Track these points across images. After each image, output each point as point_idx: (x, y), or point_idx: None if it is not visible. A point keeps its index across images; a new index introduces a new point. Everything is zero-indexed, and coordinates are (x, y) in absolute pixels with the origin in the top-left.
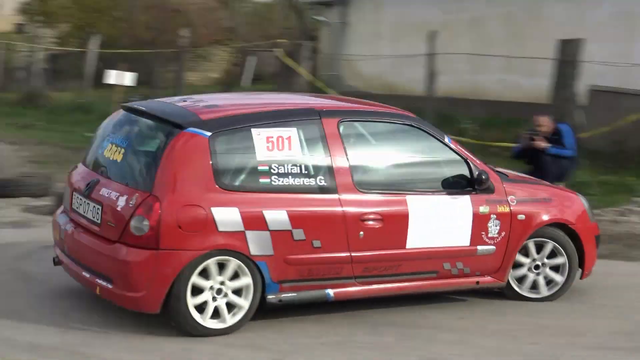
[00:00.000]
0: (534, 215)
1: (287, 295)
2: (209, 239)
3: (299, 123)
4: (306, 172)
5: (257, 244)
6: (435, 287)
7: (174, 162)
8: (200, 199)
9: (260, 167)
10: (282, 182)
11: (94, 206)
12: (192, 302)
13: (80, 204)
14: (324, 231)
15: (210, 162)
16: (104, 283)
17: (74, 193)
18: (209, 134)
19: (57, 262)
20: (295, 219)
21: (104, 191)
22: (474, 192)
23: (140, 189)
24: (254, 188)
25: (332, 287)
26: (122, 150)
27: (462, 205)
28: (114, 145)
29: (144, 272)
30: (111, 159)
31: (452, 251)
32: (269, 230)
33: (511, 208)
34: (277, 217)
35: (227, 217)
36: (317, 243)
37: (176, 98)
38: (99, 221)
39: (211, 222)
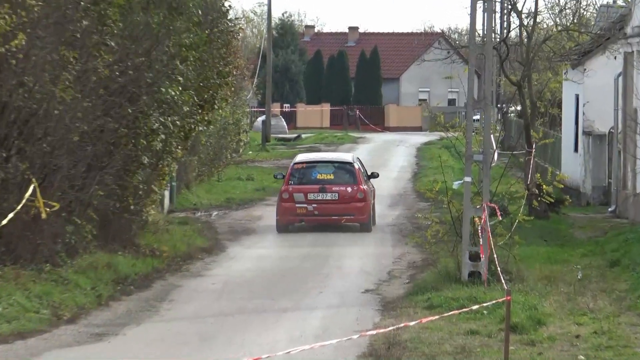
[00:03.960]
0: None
1: None
2: (372, 196)
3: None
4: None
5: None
6: None
7: (357, 173)
8: (365, 184)
9: (369, 172)
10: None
11: (332, 194)
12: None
13: (318, 196)
14: None
15: (363, 170)
16: (348, 217)
17: (308, 193)
18: (358, 164)
19: (302, 221)
20: None
21: (335, 188)
22: (372, 178)
23: (352, 184)
24: (368, 180)
25: None
26: (332, 175)
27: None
28: (322, 174)
29: (366, 209)
30: (326, 178)
31: None
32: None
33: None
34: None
35: (372, 189)
36: None
37: (321, 153)
38: (337, 198)
39: (371, 192)
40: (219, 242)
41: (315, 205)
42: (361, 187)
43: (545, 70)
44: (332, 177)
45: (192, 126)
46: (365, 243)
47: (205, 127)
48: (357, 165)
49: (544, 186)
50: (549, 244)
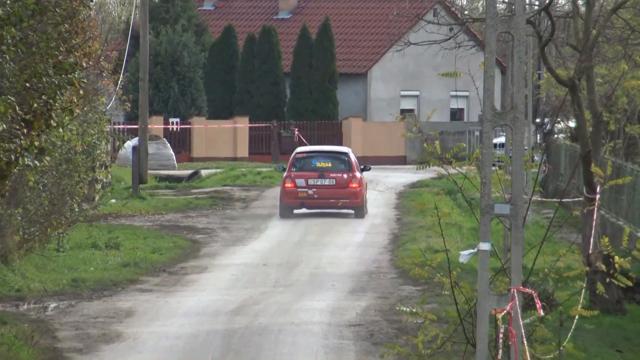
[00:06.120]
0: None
1: None
2: (364, 185)
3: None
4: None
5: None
6: None
7: (352, 162)
8: (359, 172)
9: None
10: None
11: (329, 180)
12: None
13: (317, 181)
14: None
15: (357, 162)
16: (344, 201)
17: (308, 179)
18: (352, 155)
19: (303, 204)
20: None
21: (332, 175)
22: (365, 171)
23: (347, 172)
24: (361, 172)
25: None
26: (329, 163)
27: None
28: (321, 162)
29: (360, 194)
30: (324, 166)
31: None
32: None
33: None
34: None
35: (365, 181)
36: None
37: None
38: (334, 184)
39: (364, 181)
40: (60, 355)
41: (315, 189)
42: (355, 174)
43: (617, 60)
44: (329, 165)
45: (13, 157)
46: (312, 354)
47: (35, 159)
48: (352, 156)
49: (617, 258)
50: (625, 356)
